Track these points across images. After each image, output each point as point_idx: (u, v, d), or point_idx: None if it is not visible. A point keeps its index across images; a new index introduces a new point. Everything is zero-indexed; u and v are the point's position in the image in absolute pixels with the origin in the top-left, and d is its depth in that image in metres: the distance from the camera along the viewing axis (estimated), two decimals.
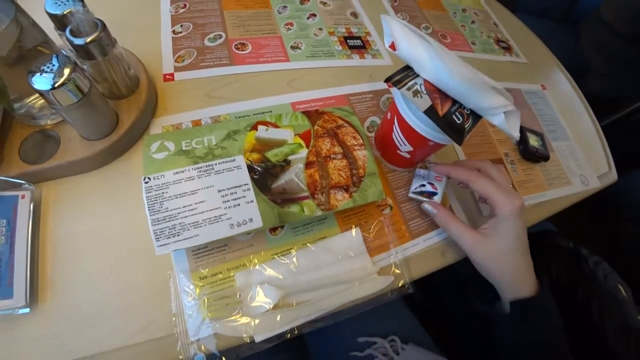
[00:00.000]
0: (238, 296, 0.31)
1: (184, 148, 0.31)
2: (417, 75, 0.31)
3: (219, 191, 0.30)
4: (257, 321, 0.30)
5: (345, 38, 0.51)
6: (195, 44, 0.44)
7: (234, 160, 0.31)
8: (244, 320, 0.30)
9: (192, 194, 0.29)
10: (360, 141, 0.36)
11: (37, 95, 0.33)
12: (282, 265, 0.33)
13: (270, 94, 0.42)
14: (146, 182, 0.29)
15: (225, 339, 0.29)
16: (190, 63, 0.42)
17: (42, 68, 0.28)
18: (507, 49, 0.65)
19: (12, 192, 0.31)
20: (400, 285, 0.35)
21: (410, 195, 0.40)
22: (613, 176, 0.56)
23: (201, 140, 0.32)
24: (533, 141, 0.51)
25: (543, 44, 0.71)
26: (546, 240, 0.58)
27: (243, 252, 0.33)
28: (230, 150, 0.32)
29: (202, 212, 0.29)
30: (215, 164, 0.31)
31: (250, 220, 0.30)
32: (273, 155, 0.33)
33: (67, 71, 0.28)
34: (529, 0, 1.03)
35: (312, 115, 0.36)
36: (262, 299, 0.31)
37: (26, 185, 0.32)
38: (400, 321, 0.45)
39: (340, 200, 0.33)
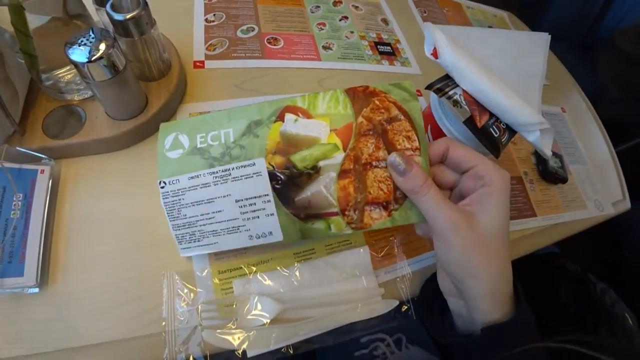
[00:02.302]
0: (234, 305, 0.29)
1: (198, 145, 0.27)
2: (457, 86, 0.31)
3: (237, 201, 0.27)
4: (251, 335, 0.27)
5: (376, 43, 0.51)
6: (228, 34, 0.44)
7: (254, 164, 0.27)
8: (238, 332, 0.28)
9: (209, 202, 0.27)
10: (416, 144, 0.27)
11: (66, 68, 0.32)
12: (283, 277, 0.31)
13: (300, 91, 0.41)
14: (162, 187, 0.27)
15: (215, 349, 0.27)
16: (222, 52, 0.42)
17: (80, 40, 0.27)
18: None
19: (32, 166, 0.30)
20: (403, 310, 0.32)
21: None
22: (626, 204, 0.56)
23: (217, 135, 0.27)
24: (552, 162, 0.51)
25: (563, 66, 0.71)
26: (554, 263, 0.58)
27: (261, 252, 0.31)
28: (250, 151, 0.27)
29: (220, 222, 0.27)
30: (233, 169, 0.27)
31: (270, 233, 0.28)
32: (300, 159, 0.27)
33: (104, 46, 0.27)
34: (548, 22, 1.04)
35: (359, 97, 0.27)
36: (259, 312, 0.28)
37: (46, 160, 0.31)
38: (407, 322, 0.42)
39: (377, 218, 0.27)
